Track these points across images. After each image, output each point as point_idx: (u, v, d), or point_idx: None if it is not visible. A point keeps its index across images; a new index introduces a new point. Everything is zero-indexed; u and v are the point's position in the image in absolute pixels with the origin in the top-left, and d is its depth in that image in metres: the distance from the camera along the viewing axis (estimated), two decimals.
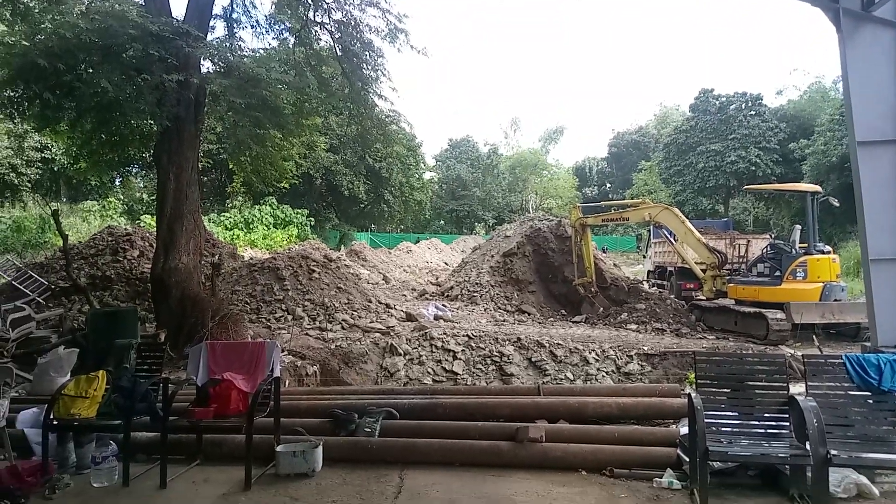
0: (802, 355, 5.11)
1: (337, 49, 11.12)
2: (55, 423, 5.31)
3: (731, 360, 5.28)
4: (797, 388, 5.76)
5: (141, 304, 12.93)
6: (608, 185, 74.91)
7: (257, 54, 11.55)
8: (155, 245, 10.53)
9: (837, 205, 12.76)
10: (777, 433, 4.83)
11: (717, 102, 46.39)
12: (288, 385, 8.85)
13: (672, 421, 6.47)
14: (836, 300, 11.88)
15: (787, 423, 4.83)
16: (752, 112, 44.78)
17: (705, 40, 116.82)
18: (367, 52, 11.07)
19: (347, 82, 11.49)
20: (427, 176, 54.10)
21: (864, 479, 4.76)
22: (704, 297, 14.51)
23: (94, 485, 5.19)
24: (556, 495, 4.93)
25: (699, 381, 5.02)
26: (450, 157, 62.42)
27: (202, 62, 10.51)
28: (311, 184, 39.40)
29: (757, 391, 5.00)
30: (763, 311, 11.95)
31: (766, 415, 4.93)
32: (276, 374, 5.90)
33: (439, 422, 6.09)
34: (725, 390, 5.03)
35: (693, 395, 4.80)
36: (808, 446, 4.63)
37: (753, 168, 42.73)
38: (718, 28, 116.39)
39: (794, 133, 42.68)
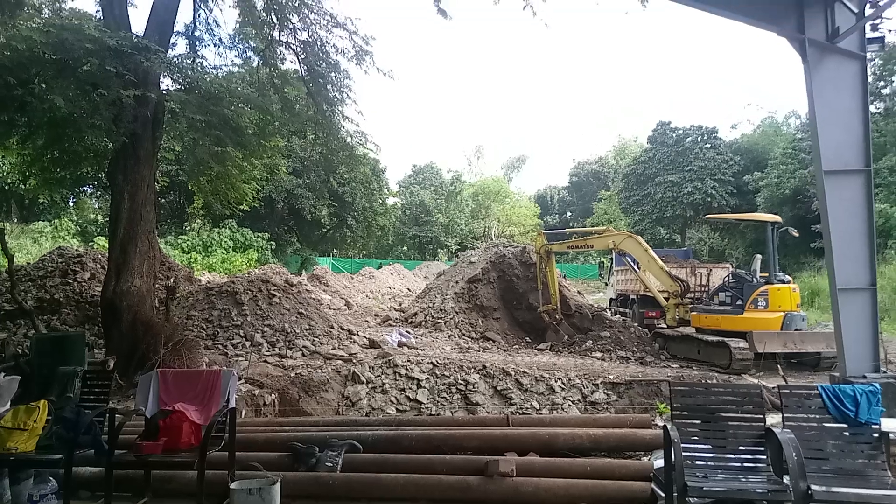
0: (777, 386, 5.01)
1: (302, 69, 10.93)
2: None
3: (706, 392, 5.15)
4: (771, 420, 5.66)
5: (91, 328, 12.34)
6: (569, 213, 75.82)
7: (220, 72, 11.28)
8: (107, 267, 10.07)
9: (797, 235, 12.98)
10: (754, 467, 4.70)
11: (675, 135, 47.51)
12: (245, 415, 8.44)
13: (643, 453, 6.33)
14: (796, 329, 11.99)
15: (764, 457, 4.72)
16: (708, 145, 45.96)
17: (663, 74, 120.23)
18: (332, 73, 10.90)
19: (312, 103, 11.28)
20: (391, 201, 53.91)
21: None
22: (667, 326, 14.54)
23: None
24: None
25: (675, 412, 4.88)
26: (413, 183, 62.38)
27: (162, 79, 10.20)
28: (272, 207, 38.81)
29: (732, 423, 4.88)
30: (726, 339, 11.98)
31: (742, 447, 4.80)
32: (232, 404, 5.56)
33: (405, 455, 5.82)
34: (700, 422, 4.90)
35: (669, 427, 4.65)
36: (785, 480, 4.53)
37: (709, 199, 43.70)
38: (676, 62, 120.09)
39: (748, 166, 43.89)
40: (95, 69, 8.57)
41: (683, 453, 4.64)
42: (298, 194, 37.57)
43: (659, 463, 5.45)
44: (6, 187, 31.24)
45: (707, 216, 18.13)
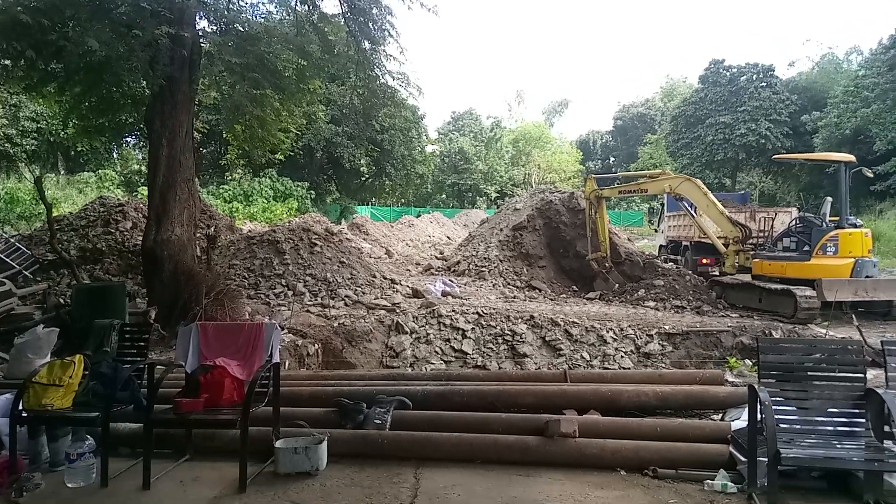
0: (882, 341, 4.43)
1: (343, 5, 10.29)
2: (24, 414, 4.68)
3: (799, 348, 4.62)
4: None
5: (133, 278, 12.30)
6: (612, 158, 73.88)
7: (256, 12, 10.76)
8: (147, 215, 9.88)
9: (871, 175, 12.03)
10: (851, 430, 4.19)
11: (728, 74, 45.17)
12: (288, 365, 8.25)
13: (713, 411, 5.86)
14: (867, 276, 11.21)
15: (863, 420, 4.20)
16: (764, 84, 43.60)
17: (715, 10, 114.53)
18: (374, 9, 10.25)
19: (353, 43, 10.69)
20: (429, 149, 53.14)
21: None
22: (726, 273, 13.82)
23: (69, 485, 4.56)
24: (595, 500, 4.32)
25: (763, 371, 4.36)
26: (452, 130, 61.36)
27: (197, 19, 9.77)
28: (311, 156, 38.56)
29: (827, 382, 4.35)
30: (790, 287, 11.28)
31: (837, 409, 4.29)
32: (276, 359, 5.24)
33: (457, 412, 5.45)
34: (790, 382, 4.38)
35: (758, 387, 4.15)
36: (887, 445, 4.04)
37: (763, 141, 41.75)
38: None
39: (805, 105, 41.68)
40: (129, 9, 8.24)
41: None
42: (337, 142, 37.15)
43: (737, 424, 4.98)
44: (52, 139, 31.59)
45: (776, 156, 17.00)
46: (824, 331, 10.18)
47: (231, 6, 10.25)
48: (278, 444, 4.88)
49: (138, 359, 5.35)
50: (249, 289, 12.03)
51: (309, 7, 10.98)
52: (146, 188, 10.70)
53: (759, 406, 4.21)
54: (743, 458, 4.50)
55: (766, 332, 10.20)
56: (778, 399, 4.34)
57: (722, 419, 5.53)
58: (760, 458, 4.29)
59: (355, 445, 5.08)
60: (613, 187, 15.84)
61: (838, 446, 4.07)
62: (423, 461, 4.96)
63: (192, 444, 5.21)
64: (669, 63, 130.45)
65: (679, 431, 5.01)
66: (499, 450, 4.92)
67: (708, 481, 4.48)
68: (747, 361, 7.98)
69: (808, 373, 4.40)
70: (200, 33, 9.88)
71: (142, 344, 5.50)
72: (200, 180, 21.74)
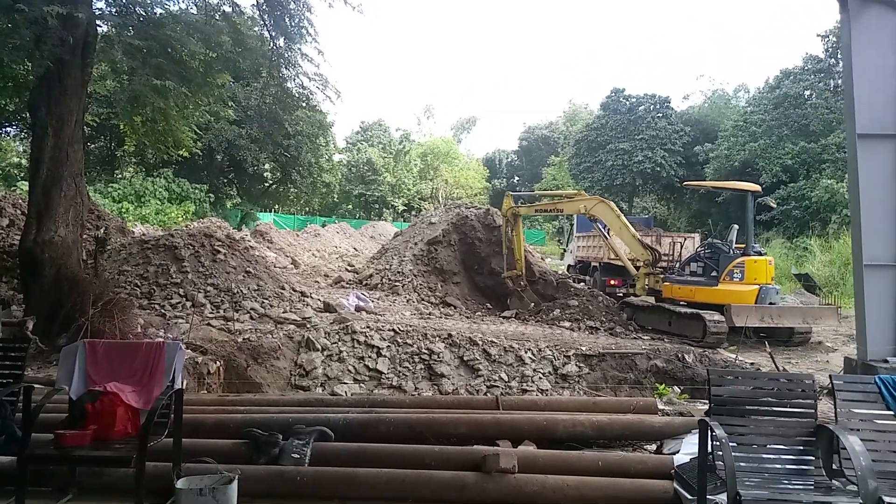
0: (830, 375, 4.36)
1: None
2: None
3: (750, 380, 4.47)
4: None
5: (8, 282, 10.92)
6: (517, 178, 75.38)
7: None
8: (27, 213, 8.77)
9: (775, 207, 12.63)
10: (801, 469, 4.07)
11: (628, 103, 47.35)
12: (186, 386, 7.43)
13: (645, 442, 5.68)
14: (771, 303, 11.69)
15: (812, 458, 4.08)
16: (660, 114, 45.98)
17: (615, 41, 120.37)
18: (292, 3, 9.65)
19: (267, 38, 10.03)
20: (337, 158, 52.11)
21: None
22: (637, 295, 14.08)
23: None
24: None
25: (714, 405, 4.17)
26: (361, 140, 60.60)
27: None
28: (211, 158, 36.65)
29: (779, 417, 4.22)
30: (700, 311, 11.58)
31: (786, 446, 4.16)
32: (178, 384, 4.57)
33: (385, 444, 4.96)
34: (740, 416, 4.22)
35: (712, 423, 3.94)
36: (836, 484, 3.93)
37: (658, 168, 43.91)
38: (627, 30, 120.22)
39: (697, 137, 44.21)
40: None
41: (717, 451, 3.99)
42: (240, 145, 35.49)
43: (679, 458, 4.79)
44: None
45: (687, 182, 17.71)
46: (734, 356, 10.46)
47: None
48: (180, 483, 4.20)
49: (11, 381, 4.52)
50: (142, 298, 10.96)
51: None
52: (27, 183, 9.52)
53: (710, 442, 4.03)
54: (689, 496, 4.29)
55: (679, 355, 10.36)
56: (736, 434, 4.17)
57: (658, 450, 5.35)
58: (710, 497, 4.10)
59: (270, 484, 4.48)
60: (530, 206, 15.87)
61: (789, 486, 3.92)
62: (347, 501, 4.45)
63: (76, 481, 4.43)
64: (573, 88, 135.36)
65: (621, 466, 4.76)
66: (433, 488, 4.47)
67: None
68: (676, 388, 7.98)
69: (759, 407, 4.25)
70: (97, 13, 8.92)
71: (17, 363, 4.66)
72: (87, 177, 19.76)
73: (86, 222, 10.15)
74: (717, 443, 3.86)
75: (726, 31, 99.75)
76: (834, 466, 4.06)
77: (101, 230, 11.35)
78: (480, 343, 10.56)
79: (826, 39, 34.61)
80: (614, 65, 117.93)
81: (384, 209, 58.14)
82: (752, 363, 10.20)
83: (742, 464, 4.05)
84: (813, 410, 4.15)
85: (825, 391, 5.90)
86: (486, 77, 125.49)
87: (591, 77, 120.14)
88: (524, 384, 9.99)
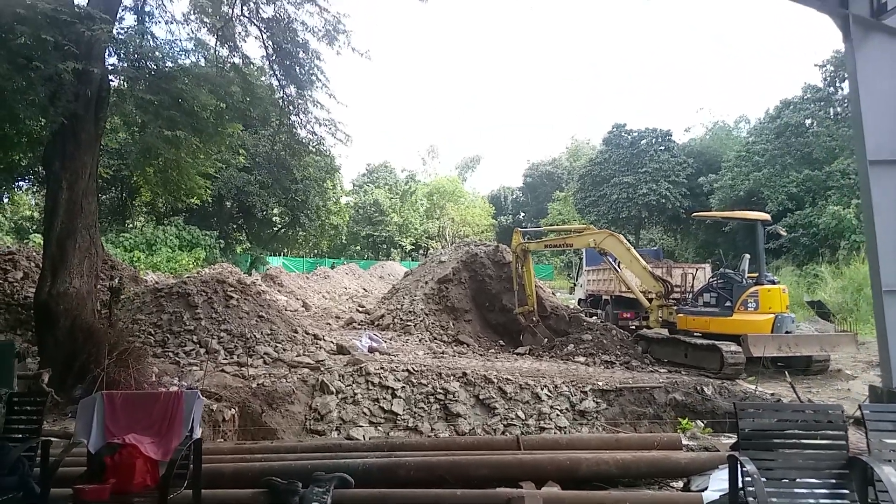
0: (860, 405, 4.28)
1: (268, 47, 9.83)
2: None
3: (779, 412, 4.41)
4: None
5: (24, 334, 10.94)
6: (523, 214, 75.64)
7: (172, 49, 10.09)
8: (41, 265, 8.83)
9: (785, 235, 12.59)
10: (838, 502, 3.96)
11: (630, 137, 47.70)
12: (201, 434, 7.36)
13: (672, 480, 5.56)
14: (787, 332, 11.55)
15: (847, 491, 3.98)
16: (662, 147, 46.24)
17: (617, 54, 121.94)
18: (301, 53, 9.84)
19: (277, 87, 10.22)
20: (344, 200, 52.56)
21: None
22: (650, 327, 13.96)
23: None
24: None
25: (743, 438, 4.09)
26: (367, 182, 61.23)
27: (107, 55, 9.02)
28: (221, 204, 37.05)
29: (809, 450, 4.14)
30: (716, 342, 11.45)
31: (818, 479, 4.07)
32: (197, 434, 4.54)
33: (407, 490, 4.89)
34: (770, 451, 4.13)
35: (742, 458, 3.86)
36: None
37: (664, 201, 43.95)
38: (628, 42, 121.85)
39: (700, 168, 44.31)
40: (29, 38, 7.41)
41: (748, 487, 3.90)
42: (249, 191, 35.89)
43: (708, 495, 4.69)
44: None
45: (696, 214, 17.66)
46: (753, 387, 10.30)
47: (146, 43, 9.56)
48: None
49: (29, 435, 4.50)
50: (156, 346, 10.94)
51: (230, 48, 10.47)
52: (39, 235, 9.61)
53: (740, 478, 3.94)
54: None
55: (698, 388, 10.20)
56: (766, 468, 4.08)
57: (685, 488, 5.24)
58: None
59: None
60: (539, 241, 15.88)
61: None
62: None
63: None
64: (576, 124, 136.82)
65: None
66: None
67: None
68: (699, 423, 7.84)
69: (787, 440, 4.17)
70: (110, 68, 9.12)
71: (34, 417, 4.65)
72: (100, 228, 20.03)
73: (100, 273, 10.20)
74: (749, 478, 3.78)
75: (727, 44, 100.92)
76: (870, 500, 3.96)
77: (115, 280, 11.39)
78: (496, 381, 10.44)
79: (824, 69, 34.93)
80: (616, 77, 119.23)
81: (392, 249, 58.36)
82: (772, 393, 10.03)
83: (774, 500, 3.95)
84: (844, 442, 4.08)
85: (851, 421, 5.78)
86: (489, 118, 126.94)
87: (594, 89, 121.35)
88: (542, 421, 9.83)
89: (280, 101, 10.51)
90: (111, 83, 9.12)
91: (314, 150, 11.50)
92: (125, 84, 9.34)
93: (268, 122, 12.01)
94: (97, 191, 9.37)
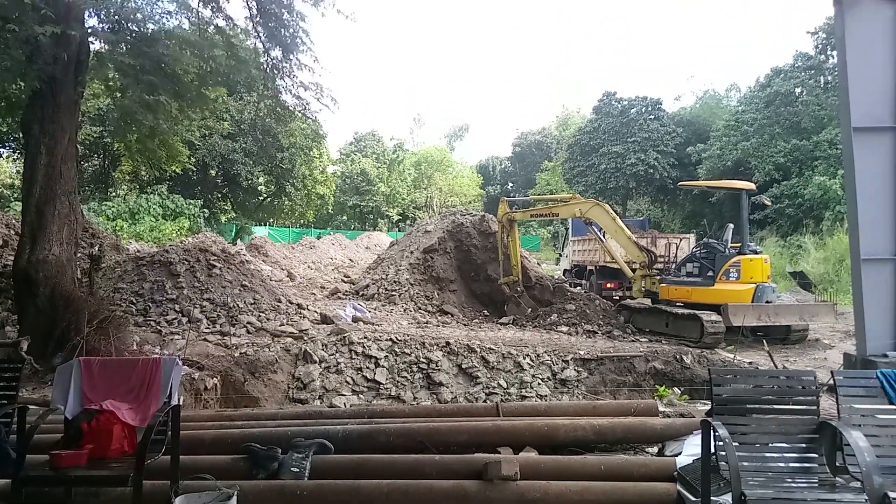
0: (832, 372, 4.35)
1: (251, 8, 9.61)
2: None
3: (754, 378, 4.47)
4: None
5: (2, 303, 10.85)
6: (511, 184, 75.47)
7: (154, 10, 9.84)
8: (20, 232, 8.72)
9: (769, 204, 12.65)
10: (805, 466, 4.04)
11: (619, 105, 47.41)
12: (182, 402, 7.37)
13: (647, 445, 5.66)
14: (767, 301, 11.68)
15: (816, 455, 4.06)
16: (652, 116, 46.04)
17: (607, 45, 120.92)
18: (286, 13, 9.63)
19: (263, 50, 10.03)
20: (330, 169, 52.08)
21: None
22: (633, 297, 14.08)
23: None
24: None
25: (718, 404, 4.15)
26: (354, 151, 60.67)
27: (87, 16, 8.79)
28: (205, 173, 36.61)
29: (782, 415, 4.20)
30: (697, 312, 11.56)
31: (789, 444, 4.14)
32: (175, 400, 4.54)
33: (385, 455, 4.94)
34: (743, 416, 4.19)
35: (715, 423, 3.91)
36: (840, 481, 3.91)
37: (651, 171, 43.91)
38: (619, 33, 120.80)
39: (689, 138, 44.22)
40: (5, 2, 7.21)
41: (720, 452, 3.96)
42: (233, 159, 35.45)
43: (681, 460, 4.77)
44: None
45: (682, 183, 17.74)
46: (732, 356, 10.44)
47: (126, 4, 9.33)
48: (178, 501, 4.18)
49: (6, 402, 4.48)
50: (138, 315, 10.90)
51: (213, 10, 10.22)
52: (20, 204, 9.47)
53: (713, 442, 4.01)
54: (693, 498, 4.27)
55: (678, 356, 10.33)
56: (738, 433, 4.15)
57: (660, 453, 5.33)
58: (714, 498, 4.08)
59: (270, 499, 4.45)
60: (525, 210, 15.86)
61: (793, 484, 3.90)
62: None
63: (72, 501, 4.37)
64: (566, 93, 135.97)
65: (624, 469, 4.74)
66: (435, 498, 4.44)
67: None
68: (676, 390, 7.94)
69: (761, 406, 4.24)
70: (90, 31, 8.90)
71: (11, 384, 4.63)
72: (81, 196, 19.74)
73: (80, 240, 10.09)
74: (721, 443, 3.84)
75: (721, 10, 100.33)
76: (838, 463, 4.03)
77: (96, 248, 11.27)
78: (478, 350, 10.51)
79: (816, 36, 34.75)
80: (609, 44, 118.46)
81: (379, 219, 58.11)
82: (750, 362, 10.18)
83: (745, 463, 4.02)
84: (815, 408, 4.14)
85: (825, 388, 5.88)
86: (477, 87, 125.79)
87: (586, 57, 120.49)
88: (523, 390, 9.95)
89: (265, 64, 10.31)
90: (91, 46, 8.93)
91: (300, 114, 11.30)
92: (105, 47, 9.12)
93: (252, 87, 11.81)
94: (77, 157, 9.23)
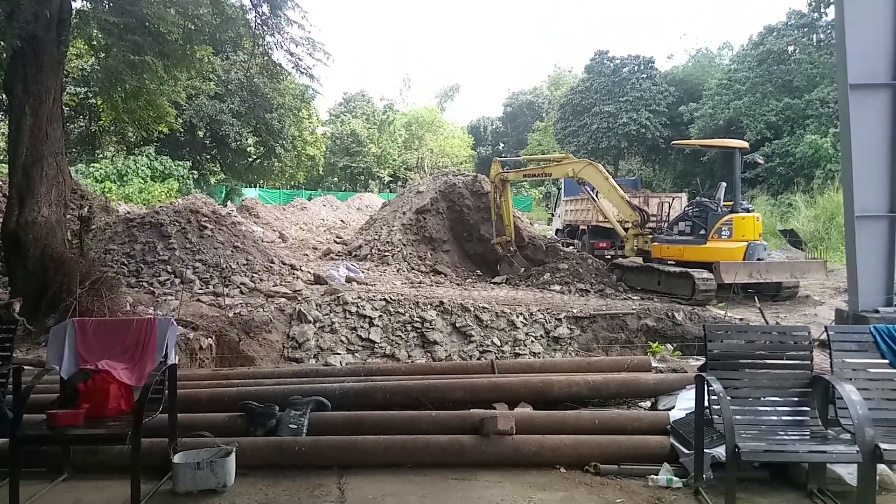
0: (825, 327, 4.38)
1: None
2: None
3: (747, 334, 4.50)
4: None
5: None
6: (502, 144, 74.98)
7: None
8: (8, 194, 8.61)
9: (762, 163, 12.63)
10: (797, 420, 4.10)
11: (612, 64, 46.89)
12: (178, 362, 7.38)
13: (640, 400, 5.73)
14: (758, 259, 11.76)
15: (808, 408, 4.12)
16: (644, 75, 45.55)
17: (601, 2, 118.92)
18: None
19: (250, 6, 9.80)
20: (320, 130, 51.51)
21: (886, 470, 4.15)
22: (626, 256, 14.15)
23: None
24: (539, 503, 4.01)
25: (711, 359, 4.19)
26: (344, 112, 59.94)
27: None
28: (193, 134, 36.17)
29: (775, 370, 4.25)
30: (689, 270, 11.63)
31: (782, 398, 4.19)
32: (172, 359, 4.53)
33: (382, 412, 4.98)
34: (737, 370, 4.24)
35: (709, 377, 3.96)
36: (831, 434, 3.98)
37: (643, 130, 43.69)
38: None
39: (681, 97, 43.91)
40: None
41: (714, 406, 4.01)
42: (222, 120, 34.96)
43: (675, 414, 4.83)
44: None
45: (675, 141, 17.61)
46: (723, 312, 10.55)
47: None
48: (177, 458, 4.20)
49: (0, 363, 4.46)
50: (130, 276, 10.87)
51: None
52: (6, 165, 9.31)
53: (706, 396, 4.06)
54: (686, 451, 4.33)
55: (669, 314, 10.44)
56: (732, 387, 4.19)
57: (653, 407, 5.40)
58: (707, 451, 4.14)
59: (268, 455, 4.48)
60: (518, 170, 15.80)
61: (786, 437, 3.96)
62: (346, 469, 4.46)
63: (70, 460, 4.40)
64: (558, 52, 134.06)
65: (617, 423, 4.80)
66: (431, 452, 4.49)
67: (652, 476, 4.28)
68: (669, 346, 8.04)
69: (754, 361, 4.28)
70: None
71: (5, 344, 4.60)
72: (69, 158, 19.35)
73: (69, 202, 9.97)
74: (714, 397, 3.89)
75: None
76: (830, 416, 4.10)
77: (85, 209, 11.16)
78: (472, 309, 10.57)
79: None
80: (599, 7, 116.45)
81: (370, 181, 57.77)
82: (741, 319, 10.29)
83: (738, 417, 4.07)
84: (809, 362, 4.18)
85: (817, 343, 5.95)
86: (468, 45, 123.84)
87: (578, 14, 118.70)
88: (517, 348, 10.05)
89: (252, 21, 10.07)
90: (73, 3, 8.71)
91: (294, 69, 11.08)
92: (88, 5, 8.92)
93: (240, 46, 11.55)
94: (63, 117, 9.05)
